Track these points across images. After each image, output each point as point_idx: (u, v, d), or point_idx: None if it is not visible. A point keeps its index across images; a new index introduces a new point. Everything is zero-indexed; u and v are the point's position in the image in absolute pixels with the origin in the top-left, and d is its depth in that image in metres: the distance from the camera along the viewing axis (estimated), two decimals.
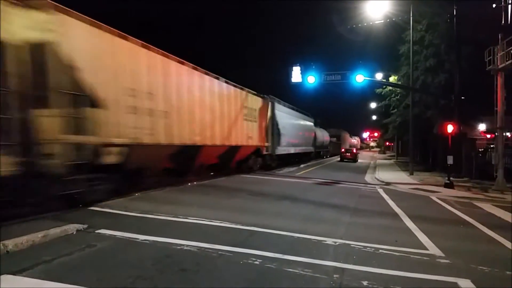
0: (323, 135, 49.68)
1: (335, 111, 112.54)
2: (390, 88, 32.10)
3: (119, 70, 10.33)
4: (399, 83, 30.31)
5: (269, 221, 8.67)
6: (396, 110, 32.21)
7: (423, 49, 25.72)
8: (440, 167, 26.24)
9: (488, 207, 12.73)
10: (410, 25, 24.13)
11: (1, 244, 5.62)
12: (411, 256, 6.59)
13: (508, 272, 5.94)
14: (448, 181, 17.76)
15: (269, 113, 24.63)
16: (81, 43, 9.04)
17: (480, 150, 26.05)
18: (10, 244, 5.74)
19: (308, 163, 35.12)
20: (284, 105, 28.69)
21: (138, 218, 8.33)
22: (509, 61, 16.54)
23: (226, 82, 18.29)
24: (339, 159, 47.45)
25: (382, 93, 33.57)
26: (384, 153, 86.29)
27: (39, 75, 7.89)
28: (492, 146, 24.11)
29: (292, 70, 22.47)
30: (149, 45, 11.89)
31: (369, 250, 6.77)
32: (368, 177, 24.19)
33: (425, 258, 6.54)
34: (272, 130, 24.86)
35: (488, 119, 25.59)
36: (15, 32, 7.59)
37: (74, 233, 6.85)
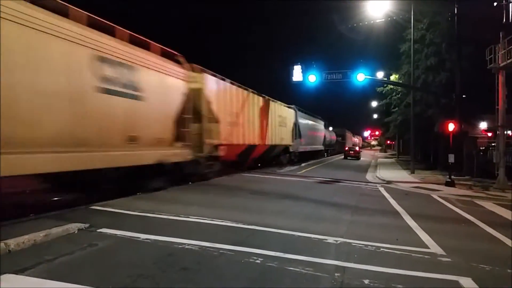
0: (330, 135, 55.09)
1: (336, 110, 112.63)
2: (391, 86, 32.09)
3: (226, 102, 17.50)
4: (400, 81, 30.29)
5: (270, 220, 8.69)
6: (397, 108, 32.18)
7: (424, 48, 25.70)
8: (441, 165, 26.24)
9: (489, 206, 12.75)
10: (411, 24, 24.10)
11: (3, 243, 5.62)
12: (412, 254, 6.60)
13: (509, 271, 5.96)
14: (449, 180, 17.77)
15: (293, 119, 30.88)
16: (211, 88, 16.01)
17: (481, 148, 26.04)
18: (12, 243, 5.74)
19: (309, 162, 35.14)
20: (303, 112, 35.48)
21: (140, 217, 8.34)
22: (510, 60, 16.55)
23: (263, 96, 23.51)
24: (342, 157, 49.18)
25: (383, 91, 33.56)
26: (385, 151, 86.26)
27: (196, 106, 14.75)
28: (493, 144, 24.09)
29: (292, 69, 22.49)
30: (233, 82, 18.93)
31: (370, 249, 6.78)
32: (369, 176, 24.19)
33: (426, 256, 6.55)
34: (295, 132, 30.98)
35: (489, 118, 25.54)
36: (189, 85, 14.10)
37: (76, 232, 6.85)
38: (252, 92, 21.35)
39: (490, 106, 19.33)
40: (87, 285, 4.52)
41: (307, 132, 35.39)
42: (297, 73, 22.44)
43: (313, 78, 21.31)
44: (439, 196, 14.66)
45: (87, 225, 7.18)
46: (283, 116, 27.85)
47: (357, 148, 53.28)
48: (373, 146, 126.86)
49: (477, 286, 5.20)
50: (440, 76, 24.12)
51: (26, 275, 4.78)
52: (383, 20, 25.33)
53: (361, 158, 48.75)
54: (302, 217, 9.45)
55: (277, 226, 8.03)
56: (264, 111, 23.47)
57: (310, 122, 38.46)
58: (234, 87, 18.86)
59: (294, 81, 22.62)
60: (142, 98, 11.04)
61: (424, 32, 25.47)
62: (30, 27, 7.56)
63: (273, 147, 25.15)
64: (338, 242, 7.11)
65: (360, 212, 10.72)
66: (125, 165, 10.41)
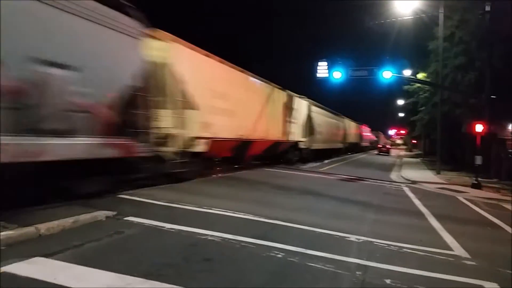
0: (371, 135, 76.88)
1: (359, 107, 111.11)
2: (418, 85, 31.53)
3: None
4: (428, 80, 29.73)
5: (292, 215, 8.72)
6: (424, 107, 31.66)
7: (453, 46, 25.11)
8: (468, 167, 25.65)
9: None
10: (439, 21, 23.57)
11: (34, 228, 5.84)
12: (436, 256, 6.53)
13: None
14: (476, 182, 17.41)
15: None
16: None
17: (510, 151, 25.33)
18: (43, 228, 5.94)
19: (332, 159, 34.90)
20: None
21: (165, 207, 8.51)
22: None
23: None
24: (364, 154, 56.67)
25: (410, 90, 33.02)
26: (411, 151, 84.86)
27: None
28: None
29: (317, 65, 22.32)
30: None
31: (393, 249, 6.74)
32: (393, 175, 23.92)
33: (450, 259, 6.47)
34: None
35: None
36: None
37: (103, 219, 7.04)
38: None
39: None
40: (112, 271, 4.65)
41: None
42: (322, 69, 22.27)
43: (338, 75, 21.10)
44: (465, 198, 14.39)
45: (114, 213, 7.36)
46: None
47: (387, 146, 69.10)
48: (398, 145, 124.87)
49: None
50: (469, 75, 23.52)
51: (55, 259, 4.94)
52: (411, 17, 24.84)
53: (385, 157, 50.83)
54: (325, 214, 9.45)
55: (299, 221, 8.05)
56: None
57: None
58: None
59: (318, 77, 22.46)
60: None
61: (453, 30, 24.87)
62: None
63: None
64: (361, 240, 7.09)
65: (383, 211, 10.65)
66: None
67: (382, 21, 26.17)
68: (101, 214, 7.12)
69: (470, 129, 20.63)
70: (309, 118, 28.20)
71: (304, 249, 6.10)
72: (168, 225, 6.88)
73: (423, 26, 26.52)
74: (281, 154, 24.48)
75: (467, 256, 6.66)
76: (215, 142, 13.99)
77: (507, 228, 9.44)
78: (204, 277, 4.81)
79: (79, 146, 7.35)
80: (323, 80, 22.76)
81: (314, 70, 22.66)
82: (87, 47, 7.61)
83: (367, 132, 75.06)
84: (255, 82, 19.06)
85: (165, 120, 11.37)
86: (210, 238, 6.38)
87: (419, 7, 23.50)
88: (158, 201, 8.98)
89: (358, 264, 5.71)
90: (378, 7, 25.22)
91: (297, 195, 12.43)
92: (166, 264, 5.05)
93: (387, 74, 20.51)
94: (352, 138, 53.26)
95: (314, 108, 29.69)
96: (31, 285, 4.20)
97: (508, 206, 12.96)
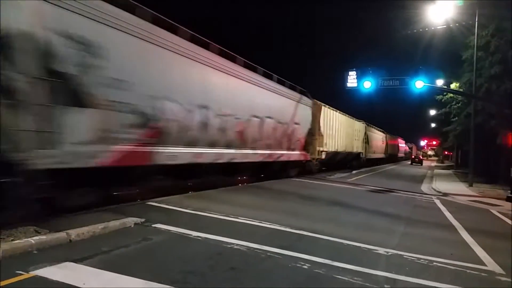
0: (405, 147, 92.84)
1: (390, 117, 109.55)
2: (451, 95, 30.83)
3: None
4: (461, 90, 29.02)
5: (319, 226, 8.62)
6: (456, 118, 30.90)
7: (488, 56, 24.43)
8: (502, 180, 24.78)
9: None
10: (474, 30, 23.02)
11: (65, 233, 6.00)
12: (468, 271, 6.32)
13: None
14: (511, 195, 16.78)
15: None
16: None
17: None
18: (73, 233, 6.11)
19: (361, 170, 34.45)
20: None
21: (192, 215, 8.59)
22: None
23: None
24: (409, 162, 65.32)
25: (443, 100, 32.29)
26: (443, 162, 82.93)
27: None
28: None
29: (347, 75, 22.17)
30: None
31: (422, 262, 6.56)
32: (424, 187, 23.36)
33: (483, 274, 6.24)
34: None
35: None
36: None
37: (132, 226, 7.17)
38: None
39: None
40: (140, 278, 4.72)
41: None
42: (351, 79, 22.10)
43: (368, 84, 20.87)
44: (499, 212, 13.89)
45: (142, 220, 7.49)
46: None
47: (420, 157, 78.37)
48: (430, 156, 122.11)
49: None
50: (505, 85, 22.82)
51: (84, 264, 5.06)
52: (445, 26, 24.34)
53: (417, 169, 49.50)
54: (352, 226, 9.30)
55: (325, 232, 7.96)
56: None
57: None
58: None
59: (348, 87, 22.31)
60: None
61: (489, 38, 24.22)
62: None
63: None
64: (389, 253, 6.94)
65: (413, 224, 10.40)
66: None
67: (415, 30, 25.78)
68: (130, 221, 7.26)
69: (505, 140, 19.96)
70: (366, 136, 39.23)
71: (331, 261, 6.02)
72: (194, 233, 6.94)
73: (457, 35, 25.95)
74: (351, 160, 34.87)
75: (501, 271, 6.41)
76: (327, 153, 25.18)
77: None
78: (229, 286, 4.82)
79: (296, 155, 20.49)
80: (353, 90, 22.60)
81: (344, 79, 22.52)
82: (301, 114, 21.03)
83: (402, 144, 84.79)
84: (348, 118, 31.58)
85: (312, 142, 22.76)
86: (236, 247, 6.39)
87: (453, 16, 23.01)
88: (185, 208, 9.08)
89: (387, 277, 5.57)
90: (411, 17, 24.83)
91: (324, 205, 12.30)
92: (192, 272, 5.09)
93: (419, 84, 20.12)
94: (391, 150, 62.13)
95: (368, 128, 40.69)
96: None
97: None
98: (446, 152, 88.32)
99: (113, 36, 8.32)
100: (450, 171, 44.28)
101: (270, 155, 17.15)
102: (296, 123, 20.28)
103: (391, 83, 20.93)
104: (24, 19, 6.54)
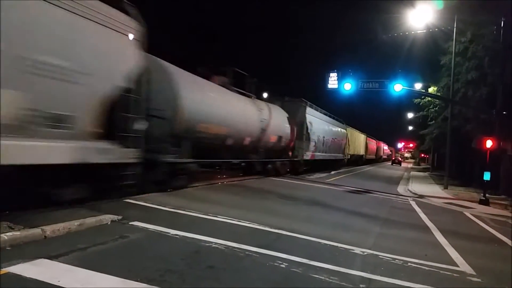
0: (388, 149, 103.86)
1: (368, 118, 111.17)
2: (429, 99, 31.43)
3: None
4: (439, 94, 29.61)
5: (297, 225, 8.69)
6: (434, 121, 31.51)
7: (465, 61, 24.99)
8: (476, 182, 25.40)
9: None
10: (453, 35, 23.50)
11: (40, 229, 5.88)
12: (441, 271, 6.47)
13: None
14: (484, 198, 17.21)
15: (364, 138, 51.48)
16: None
17: None
18: (48, 230, 5.98)
19: (339, 170, 34.79)
20: (367, 135, 54.14)
21: (170, 213, 8.54)
22: None
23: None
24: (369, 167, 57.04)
25: (420, 103, 32.90)
26: (419, 164, 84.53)
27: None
28: None
29: (328, 76, 22.33)
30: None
31: (397, 262, 6.68)
32: (400, 188, 23.75)
33: (455, 274, 6.40)
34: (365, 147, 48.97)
35: None
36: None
37: (109, 223, 7.09)
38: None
39: None
40: (116, 276, 4.67)
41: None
42: (332, 81, 22.28)
43: (348, 86, 21.07)
44: (472, 214, 14.24)
45: (119, 217, 7.41)
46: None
47: (399, 158, 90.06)
48: (406, 158, 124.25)
49: None
50: (481, 90, 23.39)
51: (59, 261, 4.97)
52: (424, 31, 24.77)
53: (393, 171, 50.82)
54: (330, 225, 9.40)
55: (304, 232, 8.03)
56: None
57: (372, 141, 58.23)
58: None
59: (329, 88, 22.48)
60: None
61: (466, 44, 24.78)
62: None
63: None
64: (365, 253, 7.05)
65: (389, 225, 10.57)
66: None
67: (395, 34, 26.13)
68: (107, 218, 7.17)
69: (480, 144, 20.41)
70: (366, 143, 51.27)
71: (308, 260, 6.07)
72: (172, 231, 6.90)
73: (436, 40, 26.45)
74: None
75: (473, 272, 6.58)
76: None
77: None
78: (207, 284, 4.81)
79: None
80: (334, 91, 22.78)
81: (325, 80, 22.67)
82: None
83: (385, 147, 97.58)
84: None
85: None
86: (214, 245, 6.38)
87: (433, 21, 23.42)
88: (164, 206, 9.01)
89: (362, 277, 5.66)
90: (392, 20, 25.17)
91: (303, 205, 12.39)
92: (169, 270, 5.06)
93: (398, 87, 20.42)
94: (380, 152, 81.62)
95: (349, 130, 41.90)
96: (35, 286, 4.23)
97: None
98: (422, 155, 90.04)
99: None
100: (426, 173, 45.12)
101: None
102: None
103: (371, 85, 21.17)
104: None
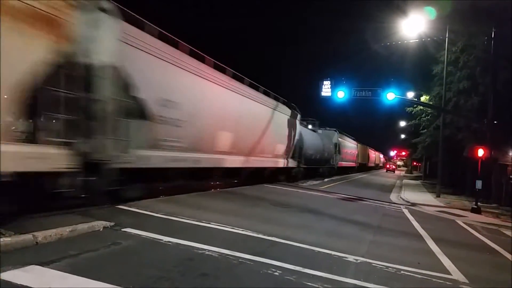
0: (383, 158, 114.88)
1: (361, 126, 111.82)
2: (421, 107, 31.67)
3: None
4: (431, 103, 29.86)
5: (291, 232, 8.67)
6: (426, 130, 31.74)
7: (457, 71, 25.27)
8: (468, 191, 25.60)
9: None
10: (445, 45, 23.76)
11: (31, 235, 5.82)
12: (434, 279, 6.49)
13: None
14: (476, 206, 17.32)
15: (356, 145, 54.05)
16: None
17: (511, 176, 25.26)
18: (40, 236, 5.92)
19: (333, 178, 34.86)
20: (366, 145, 63.51)
21: (163, 220, 8.48)
22: None
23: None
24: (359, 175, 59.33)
25: (413, 112, 33.14)
26: (411, 173, 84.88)
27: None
28: None
29: (322, 84, 22.46)
30: None
31: (390, 270, 6.69)
32: (393, 196, 23.83)
33: (447, 283, 6.42)
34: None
35: None
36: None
37: (101, 230, 7.02)
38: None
39: None
40: (108, 283, 4.63)
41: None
42: (326, 88, 22.41)
43: (341, 94, 21.20)
44: (464, 222, 14.31)
45: (112, 223, 7.34)
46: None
47: (393, 166, 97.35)
48: (399, 166, 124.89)
49: None
50: (473, 99, 23.63)
51: (51, 268, 4.91)
52: (417, 40, 25.01)
53: (386, 179, 51.37)
54: (323, 233, 9.40)
55: (297, 239, 8.01)
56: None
57: (370, 149, 63.64)
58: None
59: (322, 96, 22.60)
60: None
61: (458, 54, 25.06)
62: None
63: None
64: (358, 261, 7.05)
65: (382, 233, 10.59)
66: None
67: (388, 43, 26.35)
68: (99, 224, 7.10)
69: (471, 153, 20.58)
70: (364, 149, 55.50)
71: (301, 268, 6.05)
72: (165, 238, 6.86)
73: (428, 50, 26.72)
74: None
75: (465, 280, 6.61)
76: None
77: (506, 254, 9.37)
78: None
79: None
80: (327, 99, 22.91)
81: (319, 88, 22.80)
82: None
83: (381, 156, 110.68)
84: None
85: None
86: (207, 253, 6.35)
87: (425, 31, 23.66)
88: (157, 213, 8.96)
89: (355, 285, 5.66)
90: (385, 30, 25.39)
91: (297, 212, 12.37)
92: (162, 277, 5.02)
93: (390, 96, 20.58)
94: (378, 161, 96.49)
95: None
96: None
97: (507, 232, 12.87)
98: (414, 163, 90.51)
99: None
100: (418, 182, 45.35)
101: None
102: None
103: (364, 94, 21.33)
104: None
